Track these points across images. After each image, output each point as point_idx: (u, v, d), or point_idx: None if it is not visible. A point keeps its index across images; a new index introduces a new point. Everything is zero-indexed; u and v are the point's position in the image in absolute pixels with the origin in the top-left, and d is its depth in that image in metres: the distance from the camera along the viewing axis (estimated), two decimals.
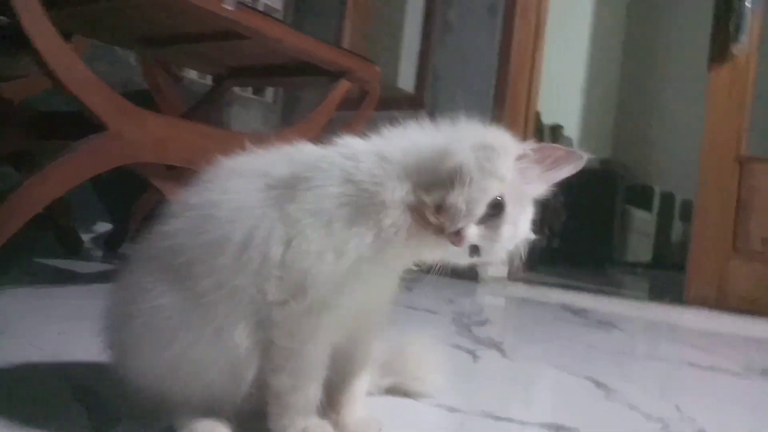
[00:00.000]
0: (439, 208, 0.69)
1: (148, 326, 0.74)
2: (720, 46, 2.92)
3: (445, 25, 3.47)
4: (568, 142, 6.08)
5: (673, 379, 1.41)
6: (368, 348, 0.83)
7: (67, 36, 1.96)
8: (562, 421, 0.97)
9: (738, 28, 2.83)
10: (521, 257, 0.77)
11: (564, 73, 5.57)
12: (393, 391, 1.00)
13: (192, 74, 3.23)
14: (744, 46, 2.86)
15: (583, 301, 2.79)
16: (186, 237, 0.75)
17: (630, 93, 7.43)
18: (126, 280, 0.80)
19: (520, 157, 0.73)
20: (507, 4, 3.28)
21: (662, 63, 7.21)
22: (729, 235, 2.89)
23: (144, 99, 2.22)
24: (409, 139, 0.75)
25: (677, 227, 7.03)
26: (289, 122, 3.46)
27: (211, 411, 0.74)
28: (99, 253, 2.58)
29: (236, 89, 3.46)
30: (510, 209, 0.70)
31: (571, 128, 6.19)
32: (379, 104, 2.16)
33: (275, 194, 0.74)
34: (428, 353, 1.05)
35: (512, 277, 3.36)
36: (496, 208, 0.70)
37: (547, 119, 4.89)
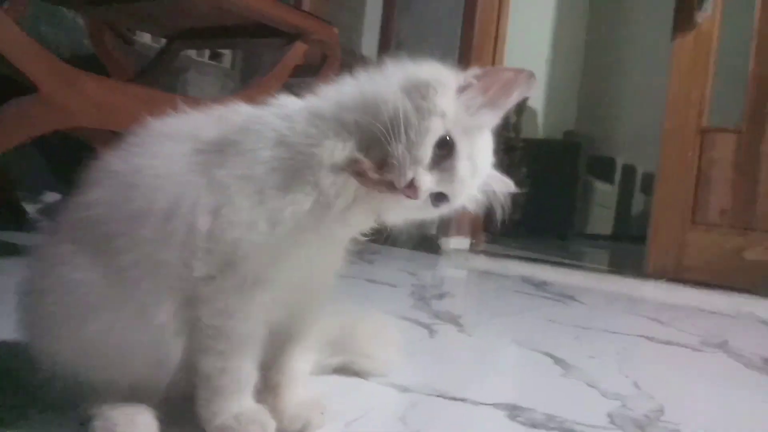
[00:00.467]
0: (383, 164, 0.64)
1: (62, 303, 0.67)
2: (684, 14, 2.89)
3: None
4: (531, 112, 6.07)
5: (630, 354, 1.39)
6: (309, 325, 0.77)
7: None
8: (518, 400, 0.93)
9: None
10: (503, 209, 0.73)
11: (528, 43, 5.52)
12: (342, 370, 0.95)
13: (145, 38, 3.08)
14: (708, 14, 2.83)
15: (543, 273, 2.77)
16: (106, 207, 0.68)
17: (593, 65, 7.41)
18: (41, 251, 0.72)
19: (462, 89, 0.68)
20: None
21: (626, 35, 7.20)
22: (689, 207, 2.89)
23: (93, 64, 2.10)
24: (342, 92, 0.69)
25: (638, 199, 7.10)
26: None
27: (133, 396, 0.68)
28: (46, 225, 2.46)
29: (192, 54, 3.32)
30: (461, 145, 0.66)
31: (536, 99, 6.16)
32: (341, 70, 2.07)
33: (203, 159, 0.67)
34: (381, 329, 1.00)
35: (474, 249, 3.34)
36: (445, 147, 0.65)
37: None
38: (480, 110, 0.67)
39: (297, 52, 1.85)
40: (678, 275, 2.87)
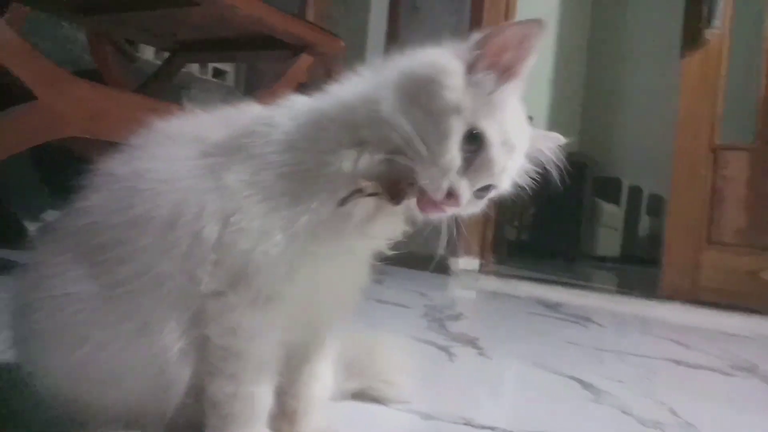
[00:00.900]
0: (410, 181, 0.57)
1: (56, 319, 0.60)
2: (693, 31, 2.84)
3: (412, 6, 3.35)
4: None
5: (660, 377, 1.31)
6: (328, 347, 0.70)
7: (3, 4, 1.78)
8: (553, 428, 0.85)
9: (711, 12, 2.75)
10: (559, 167, 0.68)
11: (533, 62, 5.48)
12: (360, 395, 0.87)
13: (148, 54, 3.03)
14: (717, 30, 2.79)
15: (556, 294, 2.69)
16: (105, 214, 0.61)
17: (597, 85, 7.39)
18: (34, 263, 0.65)
19: (471, 68, 0.59)
20: None
21: (629, 56, 7.18)
22: (703, 227, 2.81)
23: (93, 79, 2.04)
24: (342, 93, 0.62)
25: (645, 221, 7.03)
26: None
27: (134, 424, 0.61)
28: (38, 233, 2.39)
29: (195, 71, 3.27)
30: (490, 132, 0.58)
31: (540, 120, 6.12)
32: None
33: (210, 162, 0.61)
34: (399, 352, 0.92)
35: (483, 269, 3.26)
36: (474, 142, 0.57)
37: None
38: (498, 83, 0.59)
39: (302, 64, 1.79)
40: (693, 296, 2.78)
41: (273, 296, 0.58)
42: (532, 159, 0.66)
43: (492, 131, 0.58)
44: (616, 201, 6.50)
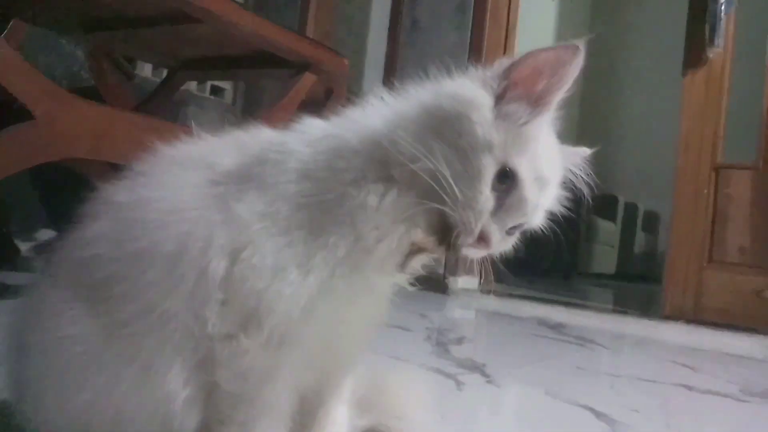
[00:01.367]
0: (444, 225, 0.54)
1: (55, 362, 0.56)
2: (695, 50, 2.83)
3: (412, 24, 3.34)
4: None
5: (674, 405, 1.27)
6: (342, 388, 0.66)
7: (4, 20, 1.75)
8: None
9: (713, 31, 2.74)
10: (588, 183, 0.64)
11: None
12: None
13: (146, 72, 3.01)
14: (719, 49, 2.78)
15: (557, 314, 2.65)
16: (106, 246, 0.57)
17: (594, 102, 7.41)
18: (31, 300, 0.61)
19: (501, 97, 0.55)
20: (477, 3, 3.16)
21: (625, 73, 7.21)
22: (705, 246, 2.79)
23: (92, 97, 2.01)
24: (365, 121, 0.59)
25: (640, 238, 7.02)
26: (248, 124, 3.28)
27: None
28: (39, 264, 2.34)
29: (193, 89, 3.25)
30: (522, 170, 0.54)
31: None
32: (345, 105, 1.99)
33: (219, 191, 0.57)
34: (410, 386, 0.88)
35: (482, 289, 3.22)
36: (506, 179, 0.54)
37: None
38: (530, 113, 0.55)
39: (306, 83, 1.76)
40: (696, 316, 2.75)
41: (287, 338, 0.54)
42: (562, 180, 0.63)
43: (524, 168, 0.54)
44: (612, 218, 6.49)
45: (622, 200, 6.63)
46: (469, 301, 2.88)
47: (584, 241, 5.83)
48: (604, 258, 6.33)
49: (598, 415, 1.09)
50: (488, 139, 0.53)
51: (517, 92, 0.55)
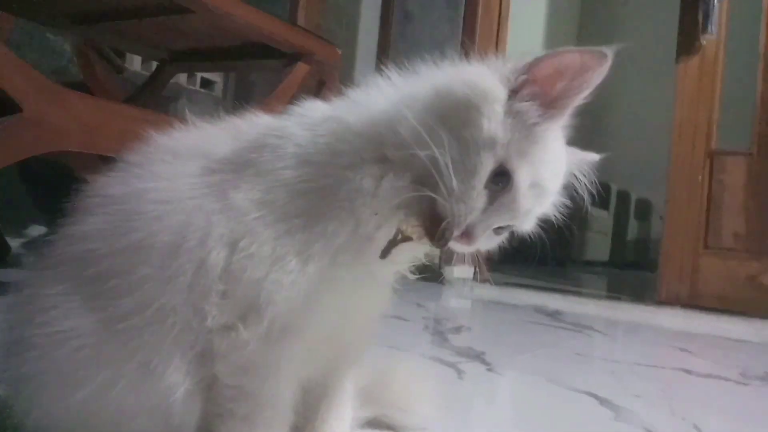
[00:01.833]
0: (434, 215, 0.52)
1: (50, 359, 0.54)
2: (688, 38, 2.83)
3: (404, 15, 3.31)
4: None
5: (675, 390, 1.27)
6: (346, 379, 0.65)
7: None
8: None
9: (707, 18, 2.74)
10: (590, 190, 0.62)
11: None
12: (375, 424, 0.81)
13: (135, 65, 2.97)
14: (713, 36, 2.77)
15: (554, 302, 2.65)
16: (102, 240, 0.55)
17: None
18: (25, 295, 0.59)
19: (515, 92, 0.53)
20: None
21: (617, 59, 7.20)
22: (701, 232, 2.79)
23: (80, 91, 1.98)
24: (369, 102, 0.57)
25: (633, 226, 7.04)
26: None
27: None
28: (31, 260, 2.31)
29: (183, 82, 3.21)
30: (520, 174, 0.52)
31: None
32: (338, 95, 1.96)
33: (216, 180, 0.55)
34: (413, 377, 0.86)
35: (478, 278, 3.22)
36: (501, 179, 0.52)
37: None
38: (542, 116, 0.53)
39: (298, 73, 1.74)
40: (692, 301, 2.76)
41: (288, 329, 0.53)
42: (565, 183, 0.61)
43: (522, 172, 0.53)
44: (605, 206, 6.50)
45: (614, 188, 6.64)
46: (464, 290, 2.88)
47: (578, 229, 5.83)
48: (598, 246, 6.35)
49: (601, 401, 1.09)
50: (492, 135, 0.51)
51: (533, 90, 0.53)
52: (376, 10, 3.45)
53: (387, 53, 3.32)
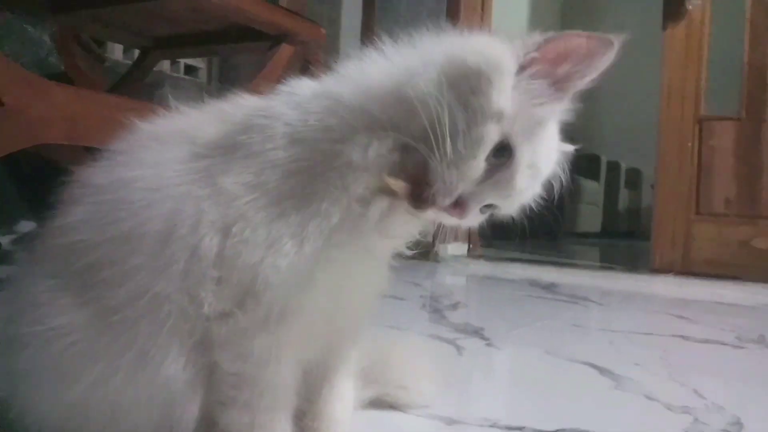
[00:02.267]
0: (425, 176, 0.51)
1: (44, 355, 0.53)
2: (674, 4, 2.81)
3: None
4: None
5: (673, 356, 1.27)
6: (348, 360, 0.64)
7: None
8: (583, 424, 0.80)
9: None
10: (563, 181, 0.60)
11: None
12: (377, 403, 0.81)
13: (117, 54, 2.93)
14: (699, 1, 2.76)
15: (548, 275, 2.66)
16: (90, 231, 0.54)
17: None
18: (15, 291, 0.58)
19: (523, 69, 0.52)
20: None
21: (603, 28, 7.16)
22: (692, 199, 2.80)
23: (62, 82, 1.95)
24: (366, 74, 0.55)
25: (624, 195, 7.07)
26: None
27: None
28: (21, 256, 2.29)
29: (166, 69, 3.17)
30: (521, 151, 0.51)
31: None
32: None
33: (204, 165, 0.54)
34: (414, 355, 0.86)
35: (471, 254, 3.23)
36: (503, 155, 0.51)
37: None
38: (546, 96, 0.52)
39: (283, 55, 1.72)
40: (685, 268, 2.78)
41: (286, 313, 0.52)
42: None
43: (523, 150, 0.52)
44: (595, 177, 6.51)
45: (604, 159, 6.65)
46: (459, 267, 2.88)
47: (568, 201, 5.85)
48: (590, 217, 6.38)
49: (601, 370, 1.09)
50: (501, 107, 0.50)
51: (539, 69, 0.52)
52: None
53: (371, 31, 3.29)
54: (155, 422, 0.53)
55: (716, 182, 2.77)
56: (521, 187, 0.53)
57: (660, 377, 1.09)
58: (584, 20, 7.23)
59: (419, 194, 0.51)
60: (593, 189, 6.40)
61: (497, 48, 0.53)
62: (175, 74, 3.29)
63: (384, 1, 3.28)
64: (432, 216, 0.53)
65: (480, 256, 3.22)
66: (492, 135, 0.50)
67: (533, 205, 0.60)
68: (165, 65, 3.16)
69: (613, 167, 6.81)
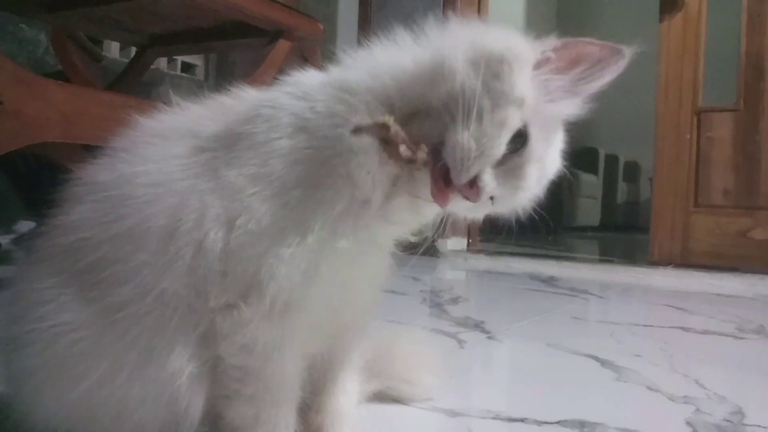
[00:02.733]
0: (434, 148, 0.50)
1: (49, 353, 0.53)
2: None
3: None
4: None
5: (675, 348, 1.27)
6: (352, 353, 0.64)
7: None
8: (584, 415, 0.81)
9: None
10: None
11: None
12: (381, 396, 0.81)
13: (114, 52, 2.92)
14: None
15: (548, 269, 2.66)
16: (93, 228, 0.54)
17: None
18: (17, 290, 0.58)
19: (540, 65, 0.53)
20: None
21: (599, 21, 7.17)
22: (690, 190, 2.79)
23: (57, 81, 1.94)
24: (380, 60, 0.55)
25: (622, 189, 7.07)
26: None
27: None
28: (22, 256, 2.29)
29: (164, 67, 3.16)
30: (535, 141, 0.52)
31: None
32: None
33: (207, 158, 0.54)
34: (417, 349, 0.86)
35: (471, 249, 3.22)
36: (518, 142, 0.51)
37: None
38: (559, 94, 0.53)
39: (281, 50, 1.71)
40: (684, 260, 2.77)
41: (290, 305, 0.51)
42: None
43: (537, 141, 0.52)
44: (593, 171, 6.51)
45: (602, 153, 6.65)
46: (458, 261, 2.88)
47: (568, 195, 5.85)
48: (588, 210, 6.37)
49: (603, 362, 1.09)
50: (523, 94, 0.51)
51: (554, 69, 0.53)
52: None
53: (368, 27, 3.28)
54: (161, 419, 0.52)
55: (714, 174, 2.76)
56: (530, 178, 0.53)
57: (661, 368, 1.09)
58: (581, 12, 7.23)
59: (410, 148, 0.50)
60: (592, 182, 6.40)
61: (519, 40, 0.54)
62: (173, 72, 3.29)
63: (378, 1, 3.27)
64: (441, 197, 0.51)
65: (479, 251, 3.21)
66: (514, 119, 0.50)
67: (529, 208, 0.59)
68: (162, 63, 3.15)
69: (612, 161, 6.80)
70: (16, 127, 1.15)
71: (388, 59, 0.55)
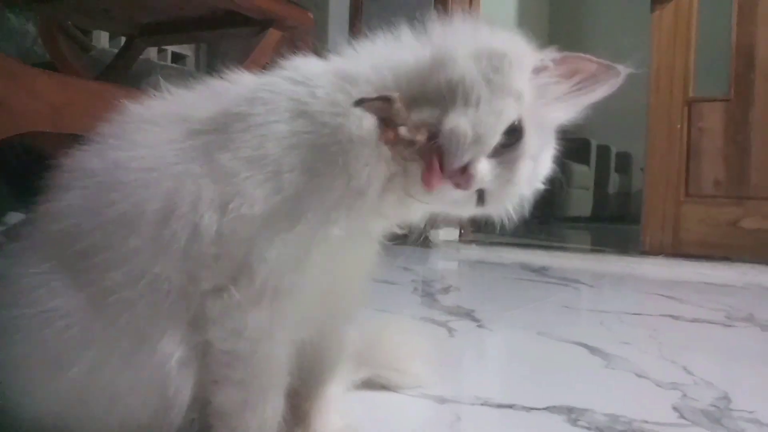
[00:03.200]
0: (431, 134, 0.50)
1: (38, 340, 0.53)
2: None
3: None
4: None
5: (664, 335, 1.28)
6: (341, 340, 0.64)
7: None
8: (572, 401, 0.81)
9: None
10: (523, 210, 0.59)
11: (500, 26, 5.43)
12: (370, 384, 0.82)
13: (103, 42, 2.90)
14: None
15: (539, 259, 2.67)
16: (83, 215, 0.54)
17: (560, 45, 7.36)
18: (6, 276, 0.58)
19: (538, 71, 0.54)
20: None
21: (591, 11, 7.17)
22: (681, 180, 2.81)
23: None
24: (382, 54, 0.55)
25: (614, 179, 7.09)
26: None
27: None
28: (11, 245, 2.28)
29: (154, 58, 3.14)
30: (529, 138, 0.52)
31: None
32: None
33: (201, 142, 0.53)
34: (406, 337, 0.87)
35: (463, 239, 3.23)
36: (512, 136, 0.51)
37: None
38: (554, 102, 0.55)
39: (271, 40, 1.70)
40: (675, 250, 2.79)
41: (280, 290, 0.51)
42: None
43: (531, 138, 0.52)
44: (585, 161, 6.52)
45: (594, 143, 6.65)
46: (450, 252, 2.89)
47: (559, 185, 5.85)
48: (580, 201, 6.39)
49: (592, 350, 1.10)
50: (521, 88, 0.52)
51: (553, 77, 0.55)
52: None
53: (360, 17, 3.27)
54: (151, 405, 0.52)
55: (705, 164, 2.78)
56: (521, 173, 0.53)
57: (650, 355, 1.10)
58: (573, 4, 7.23)
59: (408, 131, 0.50)
60: (583, 173, 6.41)
61: (522, 44, 0.56)
62: (163, 62, 3.27)
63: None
64: (430, 181, 0.51)
65: (471, 241, 3.22)
66: (512, 110, 0.51)
67: (516, 211, 0.59)
68: (152, 53, 3.13)
69: (603, 151, 6.81)
70: (4, 118, 1.14)
71: (389, 53, 0.55)
